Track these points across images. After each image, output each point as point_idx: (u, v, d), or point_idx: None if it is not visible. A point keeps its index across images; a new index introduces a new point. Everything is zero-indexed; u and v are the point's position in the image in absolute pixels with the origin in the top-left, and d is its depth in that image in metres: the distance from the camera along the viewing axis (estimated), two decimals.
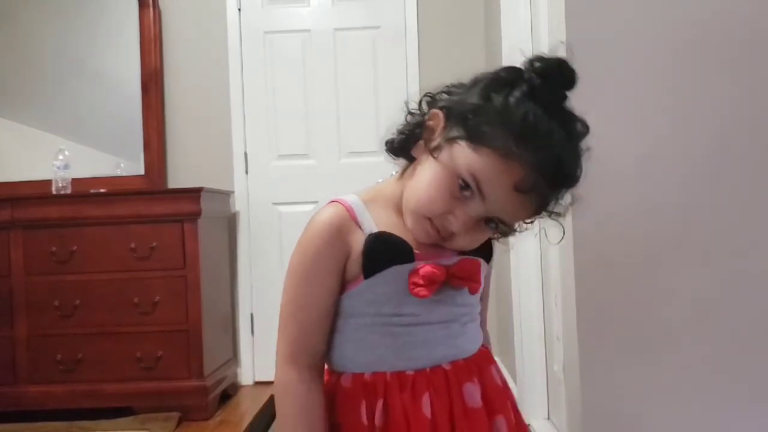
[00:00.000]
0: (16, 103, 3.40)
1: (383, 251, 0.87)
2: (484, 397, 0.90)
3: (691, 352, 1.40)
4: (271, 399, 2.97)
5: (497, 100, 0.80)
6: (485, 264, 0.94)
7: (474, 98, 0.82)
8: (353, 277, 0.88)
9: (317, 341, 0.89)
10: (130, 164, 3.32)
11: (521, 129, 0.77)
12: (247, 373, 3.35)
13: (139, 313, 2.75)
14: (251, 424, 2.65)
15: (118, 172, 3.29)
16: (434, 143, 0.85)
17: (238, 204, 3.38)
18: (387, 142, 0.94)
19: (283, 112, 3.40)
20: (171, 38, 3.39)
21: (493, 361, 0.97)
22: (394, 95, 3.26)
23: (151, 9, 3.32)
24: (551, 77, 0.80)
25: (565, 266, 1.51)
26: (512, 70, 0.83)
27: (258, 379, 3.35)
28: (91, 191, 2.97)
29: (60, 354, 2.75)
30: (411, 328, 0.88)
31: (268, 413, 2.78)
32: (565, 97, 0.82)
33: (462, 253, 0.90)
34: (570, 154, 0.82)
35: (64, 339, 2.76)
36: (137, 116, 3.32)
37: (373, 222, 0.89)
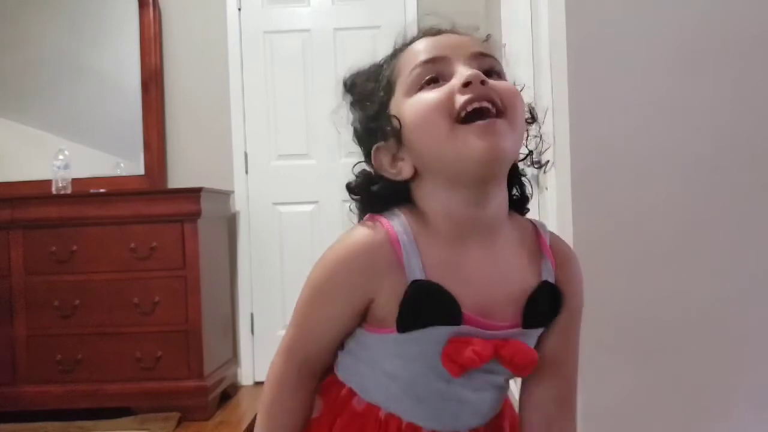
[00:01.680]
0: (16, 103, 3.39)
1: (426, 308, 0.74)
2: None
3: (691, 353, 1.40)
4: None
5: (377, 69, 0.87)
6: (538, 330, 0.81)
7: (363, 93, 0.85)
8: (382, 321, 0.77)
9: (315, 353, 0.83)
10: (130, 164, 3.32)
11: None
12: (247, 374, 3.35)
13: (138, 313, 2.75)
14: (251, 424, 2.65)
15: (118, 172, 3.29)
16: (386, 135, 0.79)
17: (238, 204, 3.38)
18: (356, 198, 0.84)
19: (283, 112, 3.40)
20: (171, 38, 3.39)
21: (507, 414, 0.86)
22: None
23: (151, 9, 3.32)
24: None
25: None
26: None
27: (258, 379, 3.34)
28: (91, 191, 2.97)
29: (59, 354, 2.75)
30: (438, 396, 0.78)
31: None
32: None
33: (526, 323, 0.77)
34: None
35: (64, 339, 2.76)
36: (137, 116, 3.32)
37: (420, 262, 0.75)
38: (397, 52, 0.83)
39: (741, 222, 1.39)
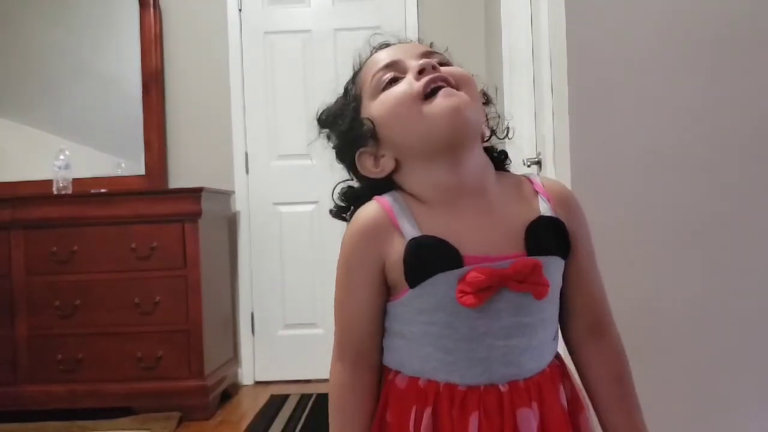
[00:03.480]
0: (18, 103, 3.40)
1: (426, 258, 0.81)
2: (543, 424, 0.82)
3: (689, 352, 1.40)
4: (271, 399, 2.98)
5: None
6: (559, 260, 0.85)
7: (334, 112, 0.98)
8: (398, 285, 0.84)
9: (360, 340, 0.87)
10: (131, 164, 3.32)
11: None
12: (247, 373, 3.35)
13: (139, 313, 2.76)
14: (251, 424, 2.65)
15: (119, 172, 3.30)
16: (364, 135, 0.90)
17: (239, 204, 3.39)
18: (342, 200, 1.00)
19: (283, 112, 3.41)
20: (172, 38, 3.39)
21: (562, 379, 0.88)
22: None
23: (152, 9, 3.33)
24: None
25: None
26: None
27: (258, 378, 3.35)
28: (92, 191, 2.98)
29: (60, 354, 2.76)
30: (465, 342, 0.81)
31: (268, 413, 2.78)
32: None
33: (531, 250, 0.82)
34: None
35: (65, 339, 2.76)
36: (138, 116, 3.33)
37: (414, 222, 0.83)
38: (356, 74, 0.95)
39: (740, 221, 1.40)
